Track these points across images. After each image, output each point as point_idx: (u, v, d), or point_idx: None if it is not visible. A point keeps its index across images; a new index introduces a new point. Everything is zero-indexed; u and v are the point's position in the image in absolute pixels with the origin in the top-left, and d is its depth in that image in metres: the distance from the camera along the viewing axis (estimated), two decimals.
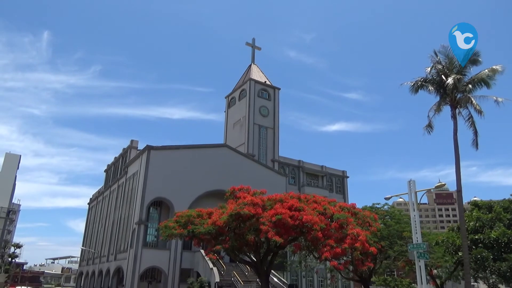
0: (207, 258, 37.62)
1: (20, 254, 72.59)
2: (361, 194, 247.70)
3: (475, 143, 24.39)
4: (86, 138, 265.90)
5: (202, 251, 39.42)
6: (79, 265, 69.62)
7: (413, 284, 42.28)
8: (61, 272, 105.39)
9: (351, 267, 32.82)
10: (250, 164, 50.86)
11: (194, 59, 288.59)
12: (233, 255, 28.12)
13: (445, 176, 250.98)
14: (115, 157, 59.75)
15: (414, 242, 21.11)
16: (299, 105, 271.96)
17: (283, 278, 41.34)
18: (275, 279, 39.58)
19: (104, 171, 65.63)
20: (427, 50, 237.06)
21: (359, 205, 29.02)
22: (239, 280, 37.13)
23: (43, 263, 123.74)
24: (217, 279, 35.84)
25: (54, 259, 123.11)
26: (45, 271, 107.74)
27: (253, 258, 28.48)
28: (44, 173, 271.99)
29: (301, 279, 49.68)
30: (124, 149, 55.73)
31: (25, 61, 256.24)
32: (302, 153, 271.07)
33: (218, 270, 38.06)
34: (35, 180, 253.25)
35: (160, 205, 44.85)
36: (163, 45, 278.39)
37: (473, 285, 44.79)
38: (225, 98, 66.11)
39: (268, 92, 61.70)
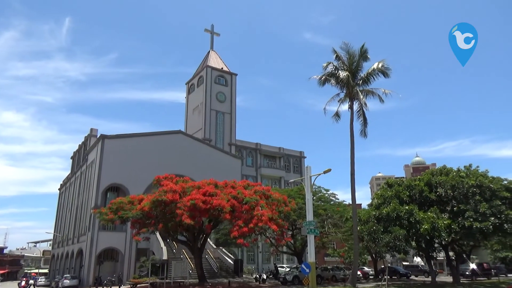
0: (159, 238, 41.11)
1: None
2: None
3: (363, 133, 27.54)
4: (95, 124, 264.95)
5: (157, 233, 42.94)
6: (52, 248, 72.78)
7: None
8: (42, 255, 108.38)
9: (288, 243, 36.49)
10: (206, 149, 53.81)
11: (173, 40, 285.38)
12: (168, 236, 31.47)
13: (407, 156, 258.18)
14: (79, 145, 62.02)
15: (307, 220, 24.38)
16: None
17: (230, 254, 44.90)
18: (223, 255, 43.24)
19: (71, 158, 67.91)
20: (434, 40, 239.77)
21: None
22: (187, 257, 40.66)
23: (24, 247, 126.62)
24: (165, 257, 39.26)
25: (35, 242, 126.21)
26: (25, 254, 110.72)
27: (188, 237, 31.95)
28: (55, 159, 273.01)
29: (246, 254, 53.47)
30: (85, 137, 57.99)
31: (42, 49, 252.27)
32: (281, 138, 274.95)
33: (170, 249, 41.61)
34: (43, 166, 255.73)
35: (117, 190, 47.62)
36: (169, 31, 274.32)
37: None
38: (185, 84, 68.22)
39: (225, 78, 63.93)
